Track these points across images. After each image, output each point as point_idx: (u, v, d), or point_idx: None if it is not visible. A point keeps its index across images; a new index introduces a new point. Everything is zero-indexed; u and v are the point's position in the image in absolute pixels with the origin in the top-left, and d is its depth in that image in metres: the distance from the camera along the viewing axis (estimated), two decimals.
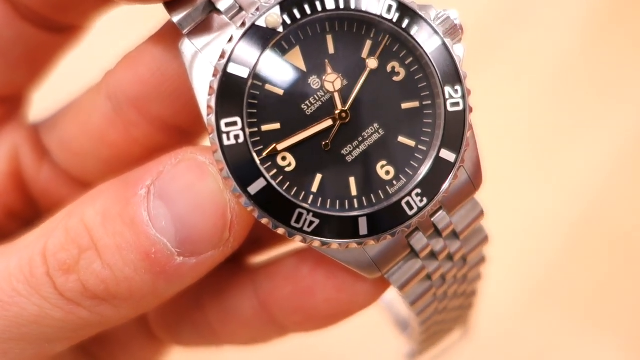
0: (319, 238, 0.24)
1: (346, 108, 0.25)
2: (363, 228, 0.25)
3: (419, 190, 0.25)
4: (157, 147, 0.28)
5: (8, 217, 0.31)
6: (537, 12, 0.72)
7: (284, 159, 0.25)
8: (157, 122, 0.28)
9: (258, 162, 0.24)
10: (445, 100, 0.26)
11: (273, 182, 0.24)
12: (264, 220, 0.24)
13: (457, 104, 0.26)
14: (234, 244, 0.23)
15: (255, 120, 0.24)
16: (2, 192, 0.31)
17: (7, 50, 0.29)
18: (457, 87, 0.26)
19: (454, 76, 0.27)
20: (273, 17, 0.25)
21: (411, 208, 0.25)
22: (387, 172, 0.26)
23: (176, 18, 0.25)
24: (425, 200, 0.25)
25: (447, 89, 0.26)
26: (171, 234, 0.23)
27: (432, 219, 0.27)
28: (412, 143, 0.26)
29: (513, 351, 0.48)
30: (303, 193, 0.25)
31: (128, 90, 0.27)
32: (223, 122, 0.24)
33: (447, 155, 0.25)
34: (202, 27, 0.25)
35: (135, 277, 0.23)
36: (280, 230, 0.24)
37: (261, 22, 0.25)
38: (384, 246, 0.26)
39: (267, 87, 0.25)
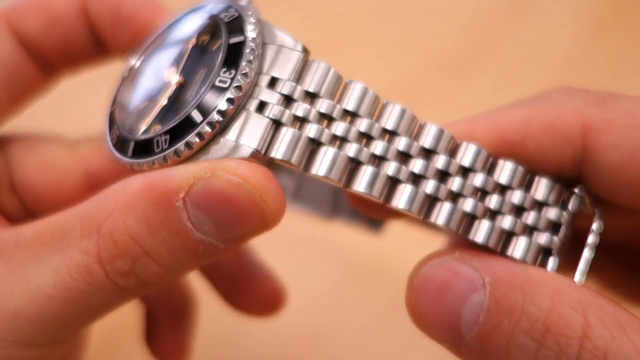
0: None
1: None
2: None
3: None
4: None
5: None
6: (537, 11, 0.72)
7: None
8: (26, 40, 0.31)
9: None
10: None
11: None
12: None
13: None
14: (267, 230, 0.26)
15: None
16: None
17: (3, 76, 0.32)
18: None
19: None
20: None
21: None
22: None
23: None
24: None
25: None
26: (214, 234, 0.25)
27: None
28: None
29: None
30: None
31: None
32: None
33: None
34: None
35: (187, 267, 0.26)
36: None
37: None
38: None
39: None
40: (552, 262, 0.27)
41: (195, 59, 0.27)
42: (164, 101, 0.27)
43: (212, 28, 0.27)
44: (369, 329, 0.49)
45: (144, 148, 0.26)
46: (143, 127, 0.27)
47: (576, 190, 0.28)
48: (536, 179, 0.28)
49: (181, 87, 0.27)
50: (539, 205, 0.28)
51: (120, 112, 0.28)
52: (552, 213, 0.27)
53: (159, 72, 0.28)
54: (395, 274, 0.52)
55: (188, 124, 0.25)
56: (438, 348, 0.48)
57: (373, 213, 0.30)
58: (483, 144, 0.27)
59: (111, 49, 0.32)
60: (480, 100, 0.30)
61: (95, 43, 0.32)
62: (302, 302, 0.49)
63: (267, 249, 0.41)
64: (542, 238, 0.27)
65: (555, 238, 0.27)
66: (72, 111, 0.52)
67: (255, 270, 0.38)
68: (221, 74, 0.26)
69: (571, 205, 0.28)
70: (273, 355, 0.46)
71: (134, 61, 0.29)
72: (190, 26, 0.28)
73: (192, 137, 0.25)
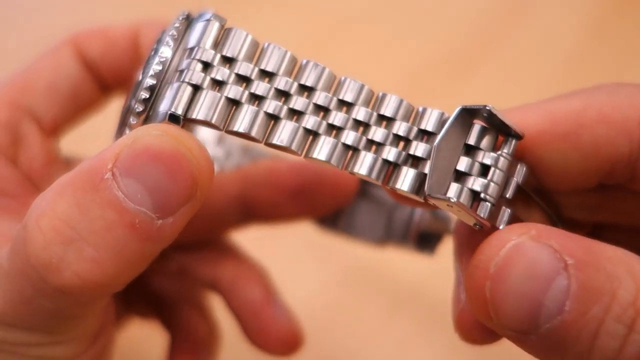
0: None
1: None
2: None
3: None
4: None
5: None
6: (539, 10, 0.72)
7: None
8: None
9: None
10: None
11: None
12: None
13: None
14: (201, 196, 0.25)
15: None
16: None
17: (67, 92, 0.35)
18: None
19: None
20: None
21: None
22: None
23: None
24: None
25: None
26: (148, 203, 0.24)
27: None
28: None
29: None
30: None
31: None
32: None
33: None
34: None
35: (126, 249, 0.25)
36: None
37: None
38: None
39: None
40: (483, 207, 0.26)
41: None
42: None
43: None
44: (367, 330, 0.49)
45: None
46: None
47: (512, 132, 0.26)
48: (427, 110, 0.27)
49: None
50: (470, 150, 0.26)
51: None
52: (486, 158, 0.26)
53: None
54: (393, 276, 0.51)
55: (129, 110, 0.27)
56: (437, 349, 0.48)
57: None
58: (534, 133, 0.26)
59: None
60: (482, 100, 0.30)
61: None
62: (300, 303, 0.49)
63: (266, 250, 0.41)
64: (476, 183, 0.26)
65: (486, 181, 0.26)
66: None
67: (277, 305, 0.38)
68: (150, 61, 0.27)
69: (507, 148, 0.26)
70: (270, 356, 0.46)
71: None
72: None
73: (130, 119, 0.27)
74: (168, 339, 0.39)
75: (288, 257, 0.52)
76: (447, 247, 0.51)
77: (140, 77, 0.27)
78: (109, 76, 0.35)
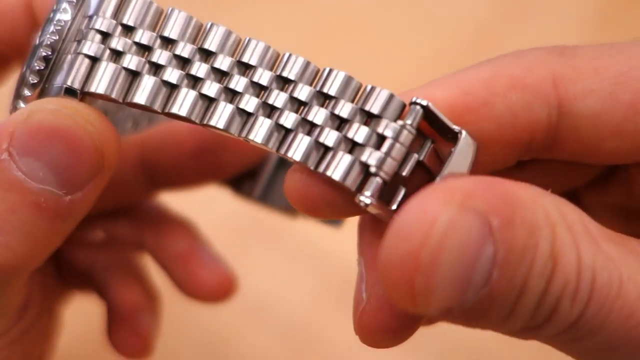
0: None
1: None
2: None
3: None
4: None
5: None
6: (540, 9, 0.72)
7: None
8: None
9: None
10: None
11: None
12: None
13: None
14: (110, 166, 0.25)
15: None
16: None
17: None
18: None
19: None
20: None
21: None
22: None
23: None
24: None
25: None
26: (52, 180, 0.24)
27: None
28: None
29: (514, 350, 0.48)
30: None
31: None
32: None
33: None
34: None
35: (35, 230, 0.24)
36: None
37: None
38: None
39: None
40: (373, 183, 0.23)
41: None
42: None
43: None
44: None
45: None
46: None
47: (417, 100, 0.23)
48: (375, 90, 0.24)
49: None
50: (370, 120, 0.24)
51: None
52: (384, 127, 0.23)
53: None
54: None
55: (22, 82, 0.25)
56: (436, 349, 0.48)
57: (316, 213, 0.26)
58: (445, 106, 0.24)
59: None
60: None
61: None
62: (294, 307, 0.49)
63: (262, 255, 0.40)
64: (368, 155, 0.23)
65: (381, 154, 0.23)
66: None
67: (204, 254, 0.37)
68: (46, 28, 0.25)
69: (410, 118, 0.23)
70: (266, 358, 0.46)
71: None
72: None
73: (24, 91, 0.25)
74: (104, 307, 0.38)
75: (282, 260, 0.51)
76: None
77: (35, 44, 0.25)
78: (3, 46, 0.33)
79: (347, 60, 0.65)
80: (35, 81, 0.25)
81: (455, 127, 0.24)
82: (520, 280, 0.20)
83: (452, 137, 0.24)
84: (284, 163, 0.37)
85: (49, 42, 0.25)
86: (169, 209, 0.38)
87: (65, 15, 0.25)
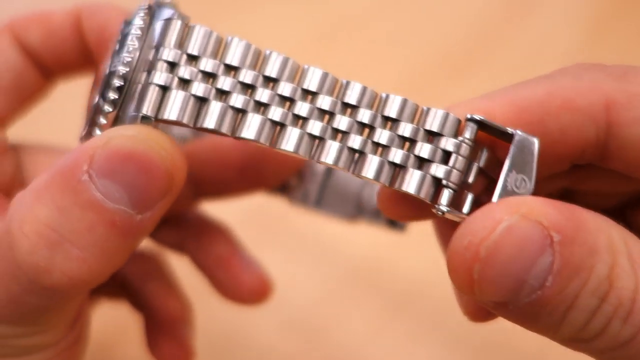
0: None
1: None
2: None
3: None
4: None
5: None
6: (538, 11, 0.72)
7: None
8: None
9: None
10: None
11: None
12: None
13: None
14: (177, 189, 0.27)
15: None
16: None
17: (9, 82, 0.34)
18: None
19: None
20: None
21: None
22: None
23: None
24: None
25: None
26: (126, 200, 0.25)
27: None
28: None
29: (515, 349, 0.48)
30: None
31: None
32: None
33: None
34: None
35: (109, 246, 0.26)
36: None
37: None
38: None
39: None
40: (445, 194, 0.26)
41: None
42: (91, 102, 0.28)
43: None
44: (367, 331, 0.49)
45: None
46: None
47: (473, 116, 0.26)
48: (431, 111, 0.26)
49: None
50: (432, 137, 0.27)
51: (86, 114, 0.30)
52: (445, 143, 0.26)
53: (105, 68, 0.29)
54: (393, 277, 0.52)
55: (97, 110, 0.27)
56: (437, 348, 0.48)
57: (399, 215, 0.30)
58: (500, 122, 0.26)
59: (96, 61, 0.34)
60: None
61: (86, 54, 0.35)
62: (300, 302, 0.49)
63: (267, 249, 0.41)
64: (436, 169, 0.26)
65: (448, 168, 0.26)
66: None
67: (244, 258, 0.39)
68: (115, 60, 0.27)
69: (467, 133, 0.26)
70: (274, 353, 0.46)
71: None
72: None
73: (99, 119, 0.27)
74: (142, 320, 0.39)
75: (287, 258, 0.52)
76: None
77: (106, 74, 0.27)
78: (51, 63, 0.35)
79: (347, 60, 0.65)
80: (110, 110, 0.27)
81: (509, 130, 0.26)
82: (572, 293, 0.23)
83: (509, 139, 0.26)
84: (331, 170, 0.39)
85: (121, 74, 0.27)
86: (207, 214, 0.40)
87: (133, 47, 0.27)
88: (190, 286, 0.40)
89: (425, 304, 0.50)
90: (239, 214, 0.44)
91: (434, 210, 0.26)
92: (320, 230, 0.51)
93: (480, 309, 0.29)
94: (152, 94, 0.26)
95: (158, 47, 0.27)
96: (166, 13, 0.27)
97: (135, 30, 0.27)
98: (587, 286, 0.23)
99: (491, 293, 0.24)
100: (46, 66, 0.35)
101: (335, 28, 0.69)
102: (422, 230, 0.36)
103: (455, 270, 0.24)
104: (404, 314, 0.49)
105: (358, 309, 0.50)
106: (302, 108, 0.26)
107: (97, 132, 0.27)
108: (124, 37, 0.27)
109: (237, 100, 0.26)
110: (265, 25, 0.66)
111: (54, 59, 0.34)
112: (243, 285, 0.38)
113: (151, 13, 0.27)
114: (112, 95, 0.27)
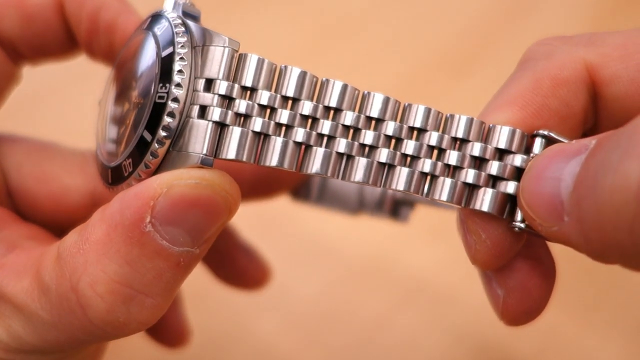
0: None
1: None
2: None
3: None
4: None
5: None
6: (537, 10, 0.72)
7: None
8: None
9: None
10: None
11: None
12: None
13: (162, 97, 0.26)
14: (231, 217, 0.27)
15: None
16: None
17: None
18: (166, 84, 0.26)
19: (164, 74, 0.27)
20: None
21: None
22: None
23: None
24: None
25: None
26: (189, 241, 0.26)
27: None
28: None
29: (514, 349, 0.48)
30: None
31: None
32: None
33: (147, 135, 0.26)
34: None
35: (175, 286, 0.26)
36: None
37: None
38: None
39: None
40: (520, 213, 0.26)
41: (147, 77, 0.27)
42: (129, 124, 0.27)
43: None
44: (374, 322, 0.49)
45: (118, 174, 0.27)
46: (121, 151, 0.27)
47: (539, 131, 0.27)
48: (496, 128, 0.27)
49: (139, 108, 0.27)
50: (502, 154, 0.27)
51: (98, 140, 0.29)
52: (517, 160, 0.27)
53: (125, 93, 0.28)
54: (400, 269, 0.52)
55: (143, 145, 0.26)
56: (439, 346, 0.49)
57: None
58: (516, 125, 0.27)
59: (83, 47, 0.33)
60: (480, 100, 0.30)
61: (68, 40, 0.33)
62: (304, 297, 0.49)
63: (270, 246, 0.41)
64: (509, 186, 0.27)
65: (517, 183, 0.27)
66: (68, 113, 0.52)
67: (242, 245, 0.40)
68: (159, 90, 0.26)
69: (536, 147, 0.27)
70: (276, 348, 0.46)
71: (107, 85, 0.30)
72: (145, 41, 0.28)
73: (148, 157, 0.26)
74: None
75: (295, 251, 0.52)
76: (446, 244, 0.51)
77: (151, 105, 0.26)
78: (28, 49, 0.33)
79: (348, 60, 0.65)
80: (161, 146, 0.26)
81: (564, 140, 0.27)
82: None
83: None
84: None
85: (171, 110, 0.26)
86: None
87: (182, 78, 0.26)
88: (190, 286, 0.40)
89: (433, 296, 0.50)
90: (240, 211, 0.44)
91: (510, 226, 0.27)
92: (322, 227, 0.51)
93: (517, 310, 0.29)
94: (209, 131, 0.25)
95: (210, 80, 0.26)
96: (218, 38, 0.26)
97: (179, 57, 0.26)
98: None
99: (533, 201, 0.25)
100: (20, 53, 0.33)
101: (335, 28, 0.69)
102: (423, 230, 0.36)
103: (529, 205, 0.25)
104: (411, 305, 0.49)
105: (366, 301, 0.50)
106: (366, 137, 0.26)
107: (143, 169, 0.26)
108: (164, 61, 0.26)
109: (298, 134, 0.26)
110: (266, 26, 0.66)
111: (32, 45, 0.33)
112: (245, 271, 0.39)
113: (186, 27, 0.26)
114: (163, 133, 0.26)
